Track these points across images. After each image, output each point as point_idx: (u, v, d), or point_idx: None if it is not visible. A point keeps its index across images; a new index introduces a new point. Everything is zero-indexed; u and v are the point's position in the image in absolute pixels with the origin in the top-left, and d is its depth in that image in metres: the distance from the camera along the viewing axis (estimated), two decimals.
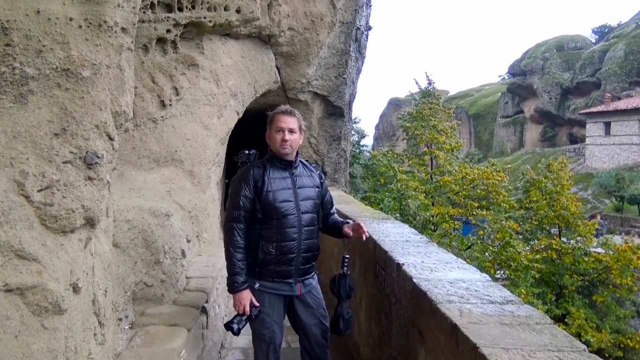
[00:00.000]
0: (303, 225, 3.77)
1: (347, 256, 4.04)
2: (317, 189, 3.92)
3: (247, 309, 3.61)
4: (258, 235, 3.69)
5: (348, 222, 4.04)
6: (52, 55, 2.60)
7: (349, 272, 3.96)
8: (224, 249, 3.73)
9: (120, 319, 4.03)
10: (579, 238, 16.72)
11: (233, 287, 3.62)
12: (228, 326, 3.63)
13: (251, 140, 6.20)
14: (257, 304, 3.66)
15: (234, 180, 3.79)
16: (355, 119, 28.40)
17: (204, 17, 5.99)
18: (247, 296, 3.63)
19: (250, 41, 7.52)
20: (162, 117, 5.86)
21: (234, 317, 3.64)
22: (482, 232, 16.98)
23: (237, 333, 3.64)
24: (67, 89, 2.67)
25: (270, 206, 3.65)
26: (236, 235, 3.63)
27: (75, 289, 2.74)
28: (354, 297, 5.21)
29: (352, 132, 23.42)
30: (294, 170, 3.84)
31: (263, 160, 3.83)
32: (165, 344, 3.83)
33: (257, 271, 3.71)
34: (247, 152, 3.92)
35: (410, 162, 20.27)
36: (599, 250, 16.63)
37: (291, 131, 3.73)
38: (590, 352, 2.28)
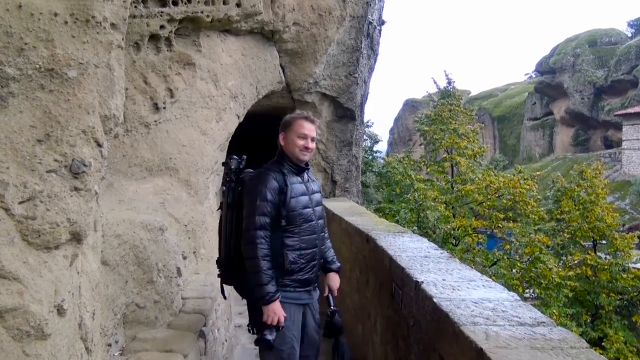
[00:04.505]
0: (319, 232, 4.05)
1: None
2: (321, 194, 4.23)
3: (282, 319, 3.73)
4: (280, 244, 3.84)
5: (336, 264, 4.40)
6: (35, 53, 2.60)
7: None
8: (245, 259, 3.81)
9: (110, 345, 4.02)
10: (616, 253, 16.62)
11: (267, 298, 3.71)
12: (262, 340, 3.71)
13: (253, 145, 6.20)
14: (285, 314, 3.79)
15: (253, 185, 3.91)
16: (367, 122, 28.44)
17: (201, 12, 6.01)
18: (279, 306, 3.74)
19: (251, 38, 7.54)
20: (155, 121, 5.87)
21: (264, 330, 3.73)
22: (508, 246, 16.90)
23: (273, 345, 3.73)
24: (52, 90, 2.68)
25: (295, 212, 3.86)
26: (263, 244, 3.75)
27: (60, 311, 2.74)
28: (367, 319, 5.18)
29: (365, 137, 23.43)
30: (304, 176, 4.06)
31: (276, 165, 3.99)
32: None
33: (280, 281, 3.84)
34: (235, 157, 4.11)
35: (428, 169, 20.23)
36: (639, 266, 16.53)
37: (312, 139, 3.99)
38: None
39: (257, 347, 3.91)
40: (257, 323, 3.87)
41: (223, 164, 4.16)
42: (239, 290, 4.22)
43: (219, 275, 4.32)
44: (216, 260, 4.33)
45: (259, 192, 3.82)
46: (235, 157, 4.10)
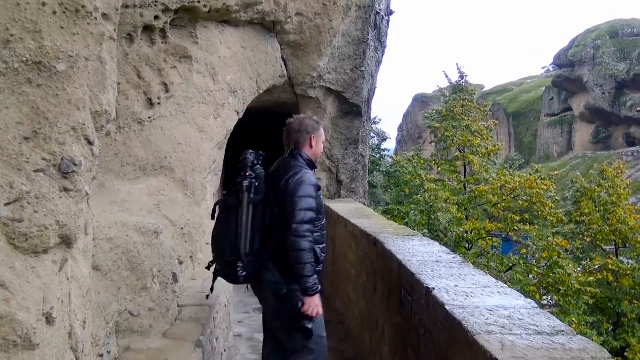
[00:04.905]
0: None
1: None
2: None
3: (321, 311, 4.17)
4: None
5: None
6: (22, 46, 2.60)
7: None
8: (294, 251, 4.05)
9: (102, 355, 4.01)
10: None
11: (314, 289, 4.11)
12: (304, 329, 4.07)
13: (254, 144, 6.18)
14: None
15: (299, 181, 4.21)
16: (375, 118, 28.47)
17: (198, 1, 6.01)
18: (319, 298, 4.18)
19: (252, 29, 7.53)
20: (149, 117, 5.87)
21: (304, 320, 4.08)
22: (525, 250, 16.87)
23: (312, 334, 4.12)
24: (39, 85, 2.67)
25: (322, 209, 4.40)
26: (311, 237, 4.12)
27: (49, 319, 2.73)
28: (375, 328, 5.17)
29: (372, 135, 23.44)
30: None
31: (300, 162, 4.39)
32: None
33: None
34: (252, 152, 4.40)
35: (439, 168, 20.23)
36: None
37: None
38: None
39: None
40: (291, 314, 4.14)
41: (240, 158, 4.41)
42: (272, 286, 4.32)
43: (241, 276, 4.31)
44: (234, 259, 4.26)
45: (306, 188, 4.19)
46: (252, 151, 4.38)
